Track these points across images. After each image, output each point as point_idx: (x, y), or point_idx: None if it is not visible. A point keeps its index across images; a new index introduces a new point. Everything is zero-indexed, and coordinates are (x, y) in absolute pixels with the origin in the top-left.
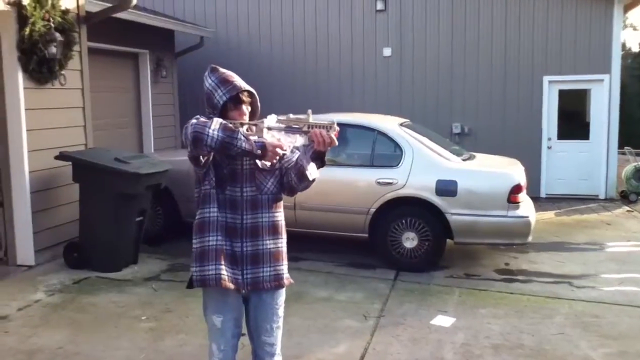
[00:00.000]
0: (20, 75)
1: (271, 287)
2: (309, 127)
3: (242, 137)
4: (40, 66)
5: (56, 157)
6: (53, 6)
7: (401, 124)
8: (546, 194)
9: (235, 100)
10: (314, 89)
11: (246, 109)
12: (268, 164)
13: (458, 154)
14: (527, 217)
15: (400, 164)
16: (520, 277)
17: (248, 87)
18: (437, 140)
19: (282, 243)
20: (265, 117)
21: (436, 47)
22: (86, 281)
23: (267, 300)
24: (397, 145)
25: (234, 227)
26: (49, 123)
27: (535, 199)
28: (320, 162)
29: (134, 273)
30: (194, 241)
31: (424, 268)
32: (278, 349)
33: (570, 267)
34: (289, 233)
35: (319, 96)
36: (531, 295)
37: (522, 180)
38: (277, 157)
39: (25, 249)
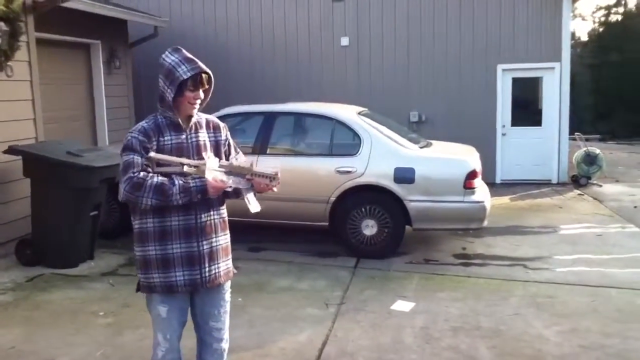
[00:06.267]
0: None
1: (224, 281)
2: (252, 176)
3: (178, 193)
4: None
5: (5, 152)
6: None
7: (359, 113)
8: (502, 180)
9: (195, 80)
10: (272, 78)
11: (201, 93)
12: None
13: (415, 142)
14: (483, 202)
15: (359, 153)
16: (477, 261)
17: (209, 71)
18: (394, 128)
19: (229, 237)
20: (207, 159)
21: (393, 37)
22: (40, 278)
23: (214, 288)
24: (355, 134)
25: (188, 227)
26: None
27: (491, 184)
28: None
29: (91, 268)
30: (152, 247)
31: (384, 255)
32: (226, 334)
33: (525, 250)
34: (249, 223)
35: (277, 85)
36: (488, 278)
37: (477, 166)
38: (221, 191)
39: None
